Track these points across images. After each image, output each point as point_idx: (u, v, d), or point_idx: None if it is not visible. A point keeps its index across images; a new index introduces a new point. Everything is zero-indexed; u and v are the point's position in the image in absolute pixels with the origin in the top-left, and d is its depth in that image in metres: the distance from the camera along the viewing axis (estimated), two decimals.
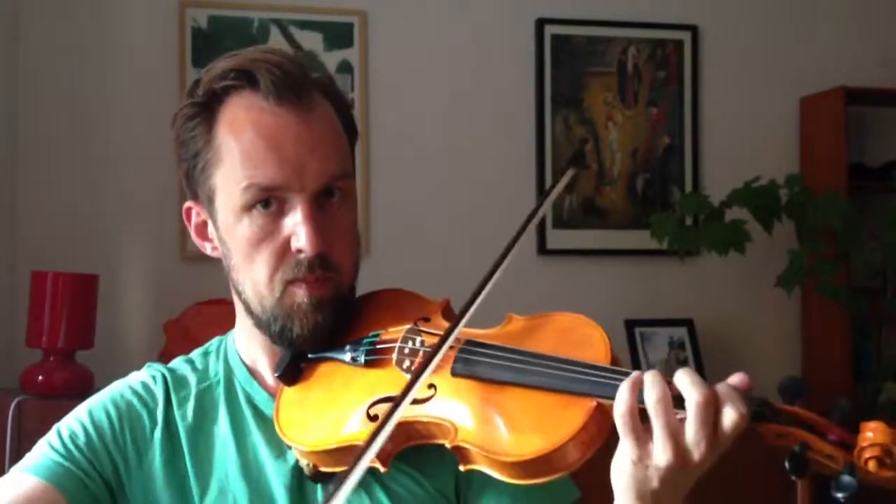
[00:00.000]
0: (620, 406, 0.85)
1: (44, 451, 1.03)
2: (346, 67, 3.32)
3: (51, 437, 1.05)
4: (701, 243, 3.29)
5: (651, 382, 0.85)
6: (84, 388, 2.74)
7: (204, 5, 3.26)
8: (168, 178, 3.21)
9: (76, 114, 3.18)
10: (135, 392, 1.09)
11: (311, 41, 3.31)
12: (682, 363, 3.42)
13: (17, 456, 2.56)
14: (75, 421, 1.06)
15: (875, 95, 3.61)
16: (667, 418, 0.84)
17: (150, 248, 3.20)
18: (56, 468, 1.01)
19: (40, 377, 2.73)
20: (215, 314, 2.95)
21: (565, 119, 3.53)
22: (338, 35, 3.35)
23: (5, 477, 1.02)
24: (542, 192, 3.48)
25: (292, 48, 3.26)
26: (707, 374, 3.41)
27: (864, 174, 3.60)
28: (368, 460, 0.87)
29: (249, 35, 3.29)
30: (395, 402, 0.91)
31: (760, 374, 4.09)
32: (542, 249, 3.46)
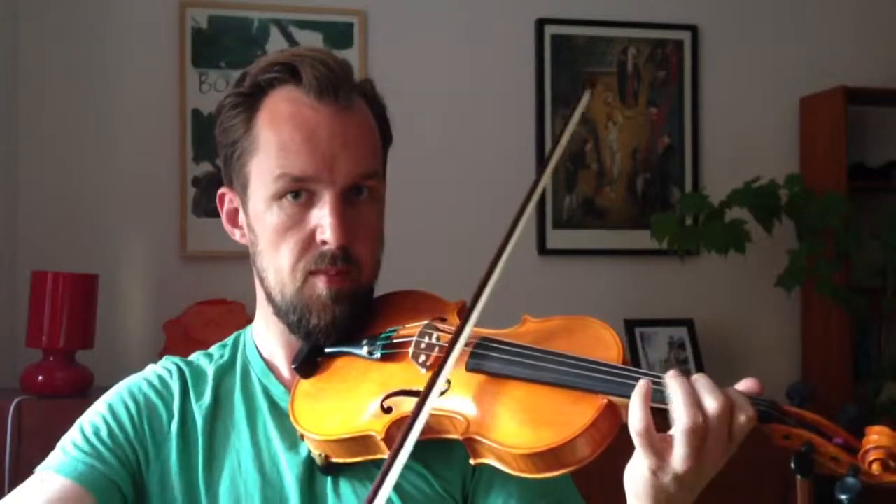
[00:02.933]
0: (637, 423, 0.86)
1: (69, 451, 1.05)
2: None
3: (74, 435, 1.07)
4: (701, 243, 3.29)
5: (685, 405, 0.86)
6: (84, 388, 2.74)
7: (204, 5, 3.26)
8: (168, 177, 3.21)
9: (76, 113, 3.18)
10: (151, 385, 1.11)
11: (311, 41, 3.31)
12: (682, 363, 3.42)
13: (17, 456, 2.57)
14: (97, 416, 1.08)
15: (875, 95, 3.61)
16: (695, 440, 0.85)
17: (150, 248, 3.20)
18: (84, 469, 1.03)
19: (40, 377, 2.73)
20: (215, 314, 2.95)
21: (565, 119, 3.52)
22: (338, 35, 3.35)
23: (32, 479, 1.04)
24: (541, 197, 3.47)
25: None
26: (707, 374, 3.40)
27: (864, 174, 3.60)
28: (405, 455, 0.89)
29: (249, 35, 3.30)
30: (422, 396, 0.93)
31: (760, 374, 4.07)
32: (542, 249, 3.46)
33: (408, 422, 0.92)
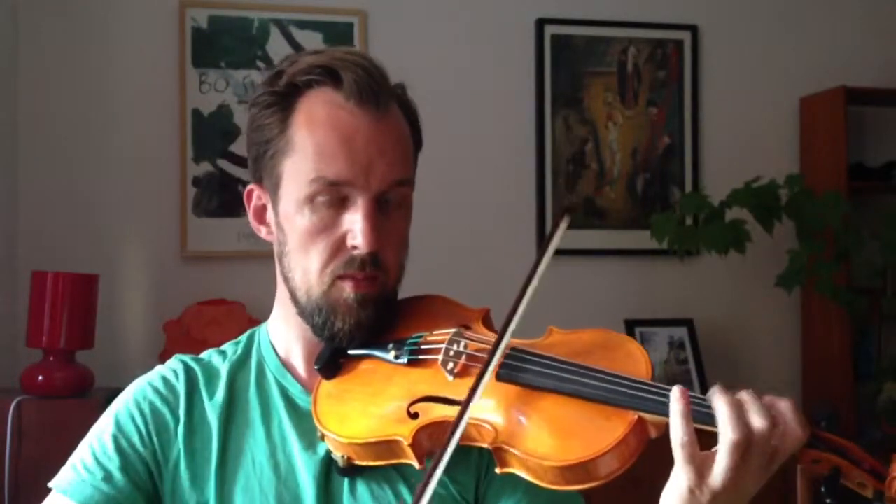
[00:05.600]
0: (681, 437, 0.87)
1: (79, 471, 1.05)
2: None
3: (83, 453, 1.07)
4: (701, 243, 3.29)
5: (733, 420, 0.86)
6: (84, 388, 2.74)
7: (204, 5, 3.26)
8: (168, 177, 3.21)
9: (76, 114, 3.18)
10: (156, 391, 1.11)
11: (311, 41, 3.31)
12: (682, 363, 3.42)
13: (17, 456, 2.57)
14: (105, 433, 1.08)
15: (875, 95, 3.61)
16: (738, 454, 0.85)
17: (150, 248, 3.20)
18: (92, 492, 1.03)
19: (40, 377, 2.72)
20: (215, 314, 2.95)
21: (565, 119, 3.53)
22: (338, 35, 3.35)
23: (46, 500, 1.05)
24: (541, 197, 3.48)
25: (293, 49, 3.26)
26: (707, 374, 3.42)
27: (864, 174, 3.60)
28: (446, 461, 0.89)
29: (249, 35, 3.30)
30: (463, 406, 0.93)
31: (761, 375, 4.08)
32: None
33: (448, 433, 0.92)
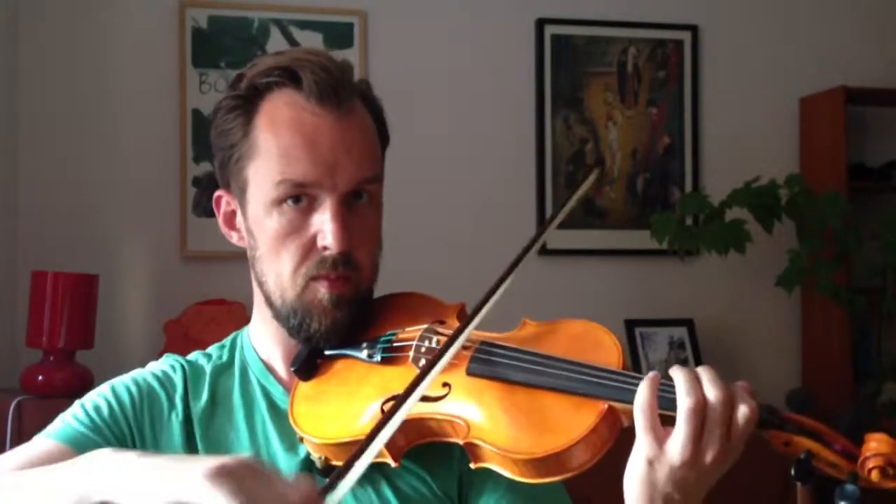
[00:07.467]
0: (643, 400, 0.88)
1: (67, 421, 1.06)
2: None
3: (74, 409, 1.08)
4: (701, 243, 3.29)
5: (688, 387, 0.87)
6: (84, 388, 2.73)
7: (204, 5, 3.26)
8: (168, 178, 3.21)
9: (76, 114, 3.18)
10: (156, 377, 1.12)
11: (311, 41, 3.31)
12: (682, 363, 3.40)
13: None
14: (98, 396, 1.09)
15: (875, 95, 3.61)
16: (696, 421, 0.86)
17: (150, 248, 3.20)
18: (80, 436, 1.03)
19: (40, 377, 2.73)
20: (215, 314, 2.95)
21: (565, 119, 3.53)
22: (338, 35, 3.35)
23: (27, 443, 1.04)
24: (541, 197, 3.48)
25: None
26: None
27: (864, 174, 3.60)
28: (374, 452, 0.87)
29: (249, 35, 3.30)
30: (401, 398, 0.92)
31: (760, 374, 4.08)
32: (542, 249, 3.45)
33: (389, 411, 0.91)
